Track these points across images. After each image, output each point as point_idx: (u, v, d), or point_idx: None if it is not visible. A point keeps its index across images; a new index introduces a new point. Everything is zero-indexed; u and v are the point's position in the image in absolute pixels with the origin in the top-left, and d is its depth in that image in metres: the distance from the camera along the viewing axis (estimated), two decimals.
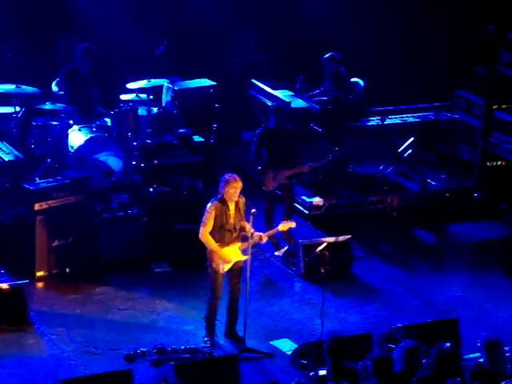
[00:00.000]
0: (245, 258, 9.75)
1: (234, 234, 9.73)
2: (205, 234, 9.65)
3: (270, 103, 13.32)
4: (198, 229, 9.71)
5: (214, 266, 9.73)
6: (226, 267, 9.75)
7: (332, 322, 10.34)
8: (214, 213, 9.62)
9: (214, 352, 9.68)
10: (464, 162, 13.51)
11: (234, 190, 9.62)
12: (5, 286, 9.99)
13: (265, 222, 11.67)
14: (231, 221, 9.67)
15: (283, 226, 10.04)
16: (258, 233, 9.80)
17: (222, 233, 9.69)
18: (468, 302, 10.95)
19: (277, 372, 9.47)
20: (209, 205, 9.70)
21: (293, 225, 10.09)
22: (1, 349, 9.69)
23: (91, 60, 12.52)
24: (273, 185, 11.66)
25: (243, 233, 9.77)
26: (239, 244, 9.75)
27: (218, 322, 10.01)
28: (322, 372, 8.17)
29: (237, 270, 9.80)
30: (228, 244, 9.72)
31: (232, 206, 9.68)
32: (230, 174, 9.72)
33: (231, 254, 9.73)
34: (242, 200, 9.78)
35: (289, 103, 12.92)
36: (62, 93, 12.54)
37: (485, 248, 12.25)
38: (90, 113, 12.55)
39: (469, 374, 7.85)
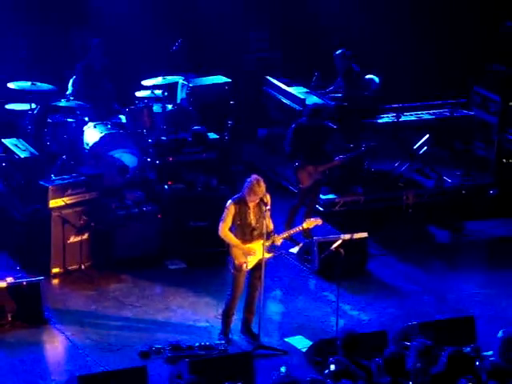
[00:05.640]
0: (269, 255, 9.69)
1: (255, 232, 9.66)
2: (224, 229, 9.62)
3: (284, 100, 13.31)
4: (215, 225, 9.70)
5: (237, 263, 9.69)
6: (250, 265, 9.71)
7: (347, 319, 10.32)
8: (232, 210, 9.59)
9: (229, 349, 9.68)
10: (480, 158, 13.46)
11: (255, 196, 9.55)
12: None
13: (288, 219, 11.59)
14: (250, 218, 9.61)
15: (308, 224, 9.92)
16: (274, 234, 9.72)
17: (242, 230, 9.65)
18: (484, 299, 10.90)
19: (291, 369, 9.45)
20: (229, 202, 9.66)
21: (319, 222, 10.00)
22: (16, 345, 9.74)
23: (104, 55, 12.55)
24: (309, 181, 11.61)
25: (267, 230, 9.63)
26: (262, 241, 9.64)
27: (235, 319, 10.00)
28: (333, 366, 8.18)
29: (258, 269, 9.72)
30: (250, 241, 9.67)
31: (252, 205, 9.62)
32: (254, 178, 9.58)
33: (254, 249, 9.68)
34: (267, 197, 9.68)
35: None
36: (71, 91, 12.54)
37: (501, 245, 12.19)
38: (106, 110, 12.57)
39: (485, 373, 7.82)
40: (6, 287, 10.03)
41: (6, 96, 12.53)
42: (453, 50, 14.64)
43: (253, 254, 9.65)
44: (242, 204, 9.61)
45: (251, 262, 9.70)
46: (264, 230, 9.59)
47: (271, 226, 9.76)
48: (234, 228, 9.68)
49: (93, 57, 12.59)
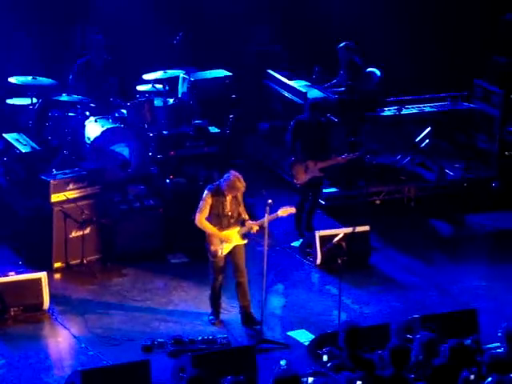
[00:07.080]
0: (244, 241, 9.88)
1: (232, 220, 9.87)
2: (200, 219, 9.81)
3: (286, 93, 13.29)
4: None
5: (213, 249, 9.85)
6: (225, 250, 9.86)
7: (349, 312, 10.32)
8: (209, 201, 9.80)
9: (232, 343, 9.69)
10: (482, 151, 13.44)
11: (235, 191, 9.75)
12: None
13: (295, 215, 11.46)
14: (227, 209, 9.81)
15: (283, 212, 9.96)
16: (251, 222, 9.86)
17: (219, 219, 9.84)
18: (486, 292, 10.90)
19: (294, 362, 9.45)
20: (205, 192, 9.84)
21: (292, 210, 10.07)
22: (19, 340, 9.75)
23: (104, 51, 12.53)
24: (305, 178, 11.58)
25: (242, 217, 9.88)
26: (238, 228, 9.86)
27: (236, 313, 10.04)
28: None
29: (238, 254, 9.90)
30: (226, 229, 9.85)
31: (229, 196, 9.78)
32: (234, 174, 9.74)
33: (230, 236, 9.83)
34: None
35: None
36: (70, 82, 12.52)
37: (503, 238, 12.18)
38: (107, 104, 12.56)
39: (485, 366, 7.82)
40: (8, 282, 10.05)
41: (7, 91, 12.52)
42: (455, 43, 14.61)
43: (229, 241, 9.80)
44: (219, 195, 9.78)
45: (226, 248, 9.86)
46: (246, 217, 9.78)
47: (246, 214, 9.88)
48: (209, 217, 9.81)
49: (94, 53, 12.56)
